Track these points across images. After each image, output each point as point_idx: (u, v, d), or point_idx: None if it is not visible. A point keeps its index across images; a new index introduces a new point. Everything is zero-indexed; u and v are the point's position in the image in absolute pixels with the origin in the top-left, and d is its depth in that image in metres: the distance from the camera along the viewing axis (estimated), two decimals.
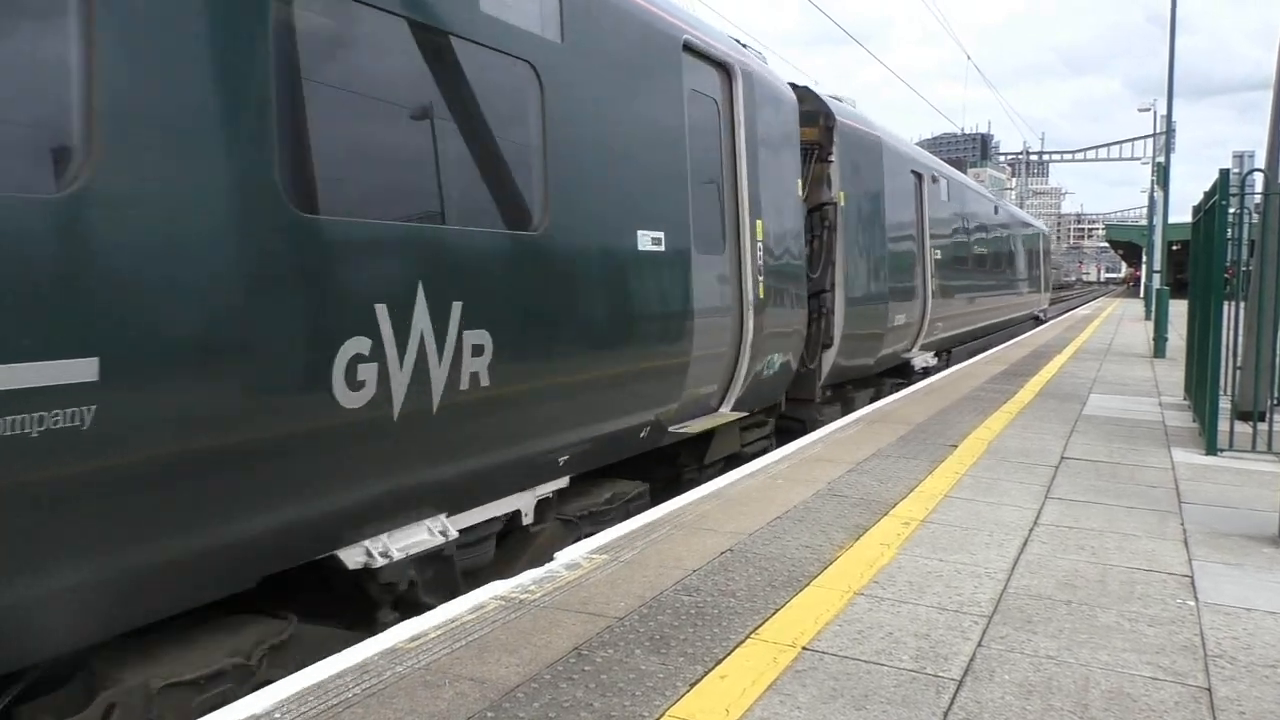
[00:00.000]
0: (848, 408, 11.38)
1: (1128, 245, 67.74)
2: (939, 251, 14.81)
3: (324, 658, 3.56)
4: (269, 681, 3.62)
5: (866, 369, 11.67)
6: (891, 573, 4.50)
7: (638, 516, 5.50)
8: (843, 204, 10.06)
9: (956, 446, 7.71)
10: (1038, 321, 31.44)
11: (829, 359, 10.14)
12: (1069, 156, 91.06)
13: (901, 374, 13.68)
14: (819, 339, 9.91)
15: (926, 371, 14.51)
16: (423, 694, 3.14)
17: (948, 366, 16.01)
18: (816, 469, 6.79)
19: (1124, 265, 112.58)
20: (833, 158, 10.11)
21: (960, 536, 5.13)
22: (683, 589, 4.21)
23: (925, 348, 14.61)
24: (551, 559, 4.66)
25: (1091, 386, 12.27)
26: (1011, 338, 23.45)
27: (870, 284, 11.15)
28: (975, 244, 18.41)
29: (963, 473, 6.72)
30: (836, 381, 10.65)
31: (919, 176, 13.98)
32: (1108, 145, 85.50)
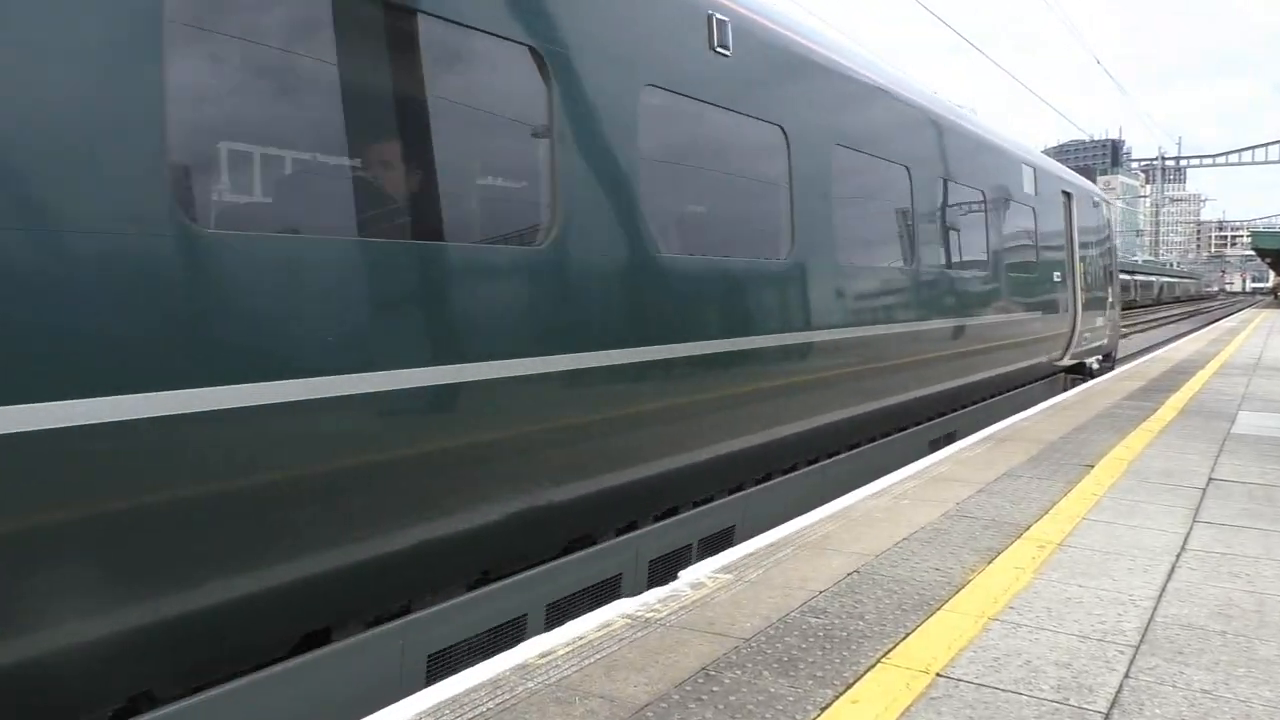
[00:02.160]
0: None
1: (1276, 253, 63.82)
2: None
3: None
4: None
5: None
6: (1028, 598, 4.34)
7: (761, 536, 5.46)
8: None
9: (1093, 466, 7.39)
10: (1078, 376, 15.79)
11: None
12: (1209, 161, 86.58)
13: None
14: None
15: None
16: (554, 710, 3.19)
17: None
18: (943, 489, 6.61)
19: (1272, 274, 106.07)
20: None
21: (1101, 561, 4.91)
22: (809, 610, 4.15)
23: None
24: (676, 578, 4.67)
25: (1240, 403, 11.59)
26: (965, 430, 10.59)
27: None
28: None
29: (1101, 494, 6.43)
30: None
31: None
32: (1253, 148, 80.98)
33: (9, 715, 2.87)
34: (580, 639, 3.82)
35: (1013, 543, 5.25)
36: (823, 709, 3.20)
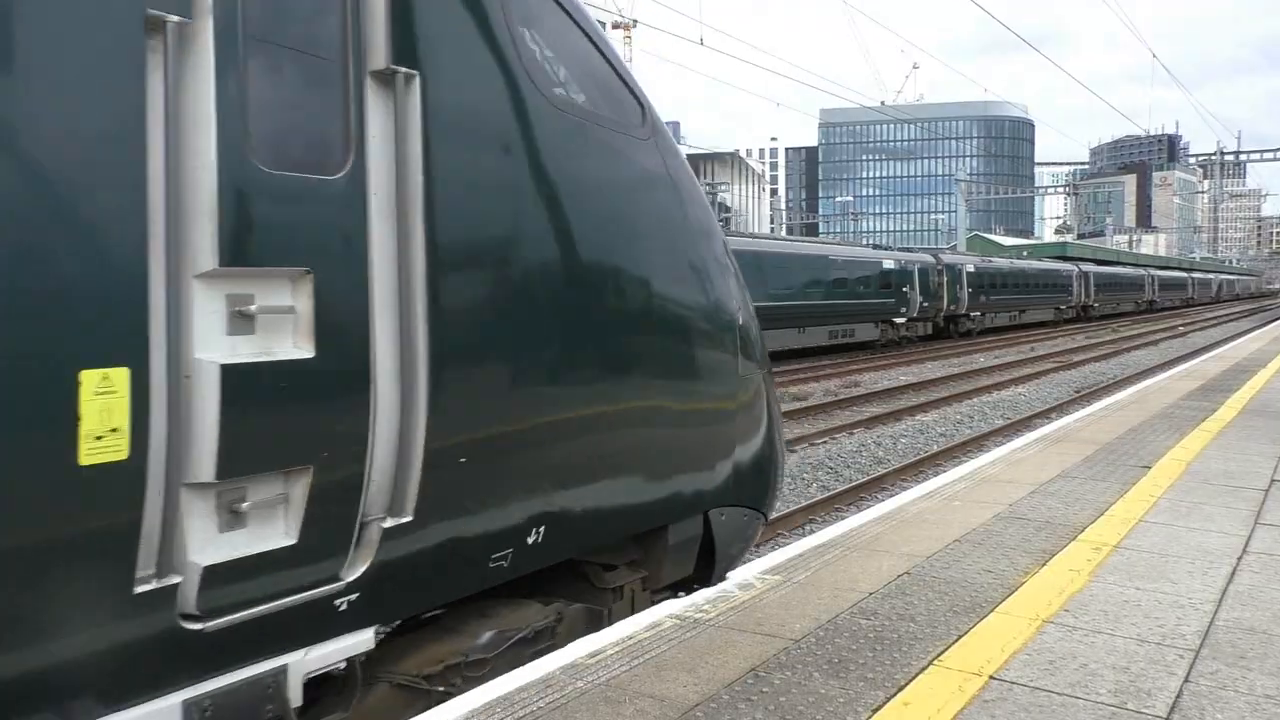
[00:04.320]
0: None
1: None
2: None
3: None
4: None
5: None
6: (1083, 601, 4.27)
7: (810, 537, 5.43)
8: None
9: (1150, 468, 7.24)
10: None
11: None
12: (1269, 155, 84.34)
13: None
14: None
15: None
16: (604, 710, 3.20)
17: None
18: (995, 490, 6.52)
19: None
20: None
21: (1159, 564, 4.82)
22: (859, 612, 4.13)
23: None
24: (724, 578, 4.67)
25: None
26: None
27: None
28: None
29: (1158, 496, 6.30)
30: None
31: None
32: None
33: None
34: (629, 639, 3.83)
35: (1067, 545, 5.16)
36: (874, 710, 3.18)
